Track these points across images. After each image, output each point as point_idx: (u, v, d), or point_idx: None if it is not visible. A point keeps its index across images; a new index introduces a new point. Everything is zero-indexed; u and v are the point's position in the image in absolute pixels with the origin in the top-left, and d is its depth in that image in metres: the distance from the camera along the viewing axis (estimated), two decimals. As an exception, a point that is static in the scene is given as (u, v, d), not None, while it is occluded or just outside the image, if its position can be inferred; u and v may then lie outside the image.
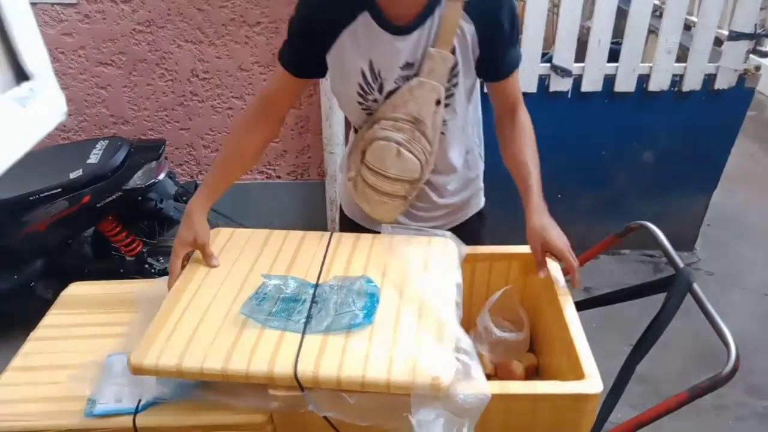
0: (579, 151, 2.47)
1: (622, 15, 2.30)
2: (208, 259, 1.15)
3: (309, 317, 0.98)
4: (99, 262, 2.20)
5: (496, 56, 1.19)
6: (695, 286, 1.11)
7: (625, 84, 2.37)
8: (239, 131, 1.25)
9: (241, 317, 0.99)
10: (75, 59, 2.38)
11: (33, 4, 2.54)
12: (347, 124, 2.49)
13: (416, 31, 1.11)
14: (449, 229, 1.28)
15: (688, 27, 2.43)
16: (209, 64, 2.42)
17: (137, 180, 1.97)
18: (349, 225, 1.43)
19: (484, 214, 1.46)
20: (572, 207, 2.45)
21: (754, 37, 2.30)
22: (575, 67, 2.33)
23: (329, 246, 1.18)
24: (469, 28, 1.13)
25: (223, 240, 1.20)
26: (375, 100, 1.18)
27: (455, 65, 1.15)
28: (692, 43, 2.33)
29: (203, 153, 2.64)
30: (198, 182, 2.45)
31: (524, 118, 1.27)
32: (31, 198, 1.89)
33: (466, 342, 0.94)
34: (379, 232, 1.25)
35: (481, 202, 1.45)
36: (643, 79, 2.37)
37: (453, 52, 1.13)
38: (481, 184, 1.44)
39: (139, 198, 1.99)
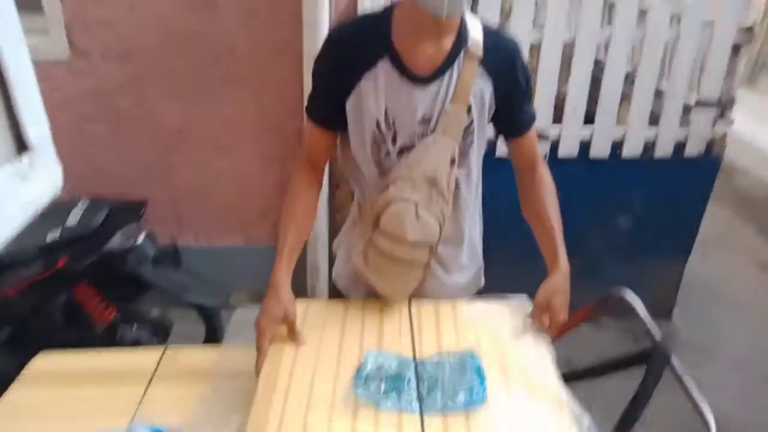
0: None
1: (595, 84, 2.40)
2: (295, 337, 1.10)
3: (420, 396, 0.98)
4: (69, 329, 2.11)
5: (513, 112, 1.21)
6: (673, 360, 1.11)
7: (600, 150, 2.45)
8: (298, 194, 1.23)
9: (351, 398, 0.97)
10: (60, 115, 2.37)
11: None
12: (332, 204, 2.50)
13: (434, 83, 1.11)
14: None
15: (658, 95, 2.54)
16: (195, 122, 2.44)
17: (116, 242, 1.94)
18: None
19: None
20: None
21: (720, 105, 2.41)
22: (552, 128, 2.40)
23: (411, 316, 1.19)
24: (486, 85, 1.14)
25: (300, 313, 1.16)
26: (388, 153, 1.16)
27: (471, 123, 1.15)
28: (663, 110, 2.43)
29: (184, 213, 2.62)
30: (178, 243, 2.42)
31: (545, 173, 1.28)
32: (4, 261, 1.84)
33: (588, 420, 0.95)
34: None
35: (481, 280, 1.43)
36: (617, 146, 2.45)
37: (469, 110, 1.13)
38: (482, 262, 1.41)
39: (117, 262, 1.95)
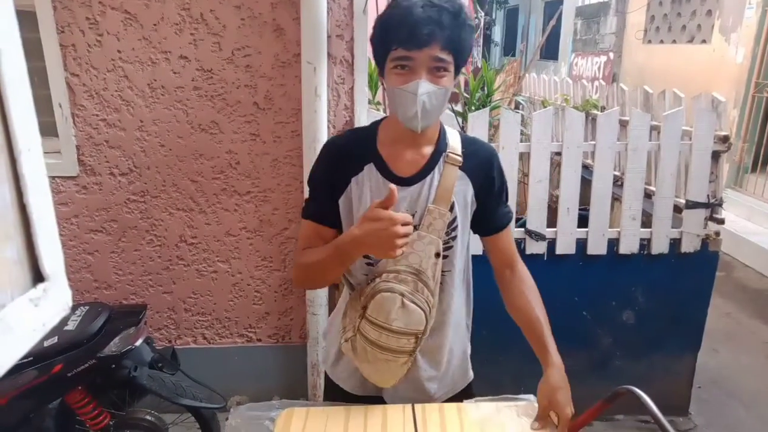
0: (561, 313, 2.48)
1: (587, 183, 2.49)
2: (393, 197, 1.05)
3: None
4: (60, 437, 2.04)
5: (490, 211, 1.30)
6: None
7: (597, 247, 2.49)
8: (306, 252, 1.26)
9: None
10: (67, 227, 2.46)
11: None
12: (330, 290, 2.53)
13: (416, 185, 1.22)
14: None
15: (648, 195, 2.63)
16: (198, 230, 2.51)
17: (113, 347, 1.92)
18: (335, 394, 1.37)
19: (472, 389, 1.43)
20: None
21: (708, 206, 2.49)
22: (548, 232, 2.46)
23: (416, 419, 1.16)
24: (467, 187, 1.25)
25: (300, 422, 1.16)
26: None
27: (454, 219, 1.23)
28: (654, 210, 2.50)
29: (184, 316, 2.61)
30: (176, 346, 2.39)
31: (524, 270, 1.34)
32: (-2, 367, 1.81)
33: None
34: (376, 400, 1.24)
35: (469, 373, 1.43)
36: (614, 243, 2.50)
37: (452, 208, 1.23)
38: (468, 353, 1.43)
39: (113, 366, 1.91)
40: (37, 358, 1.83)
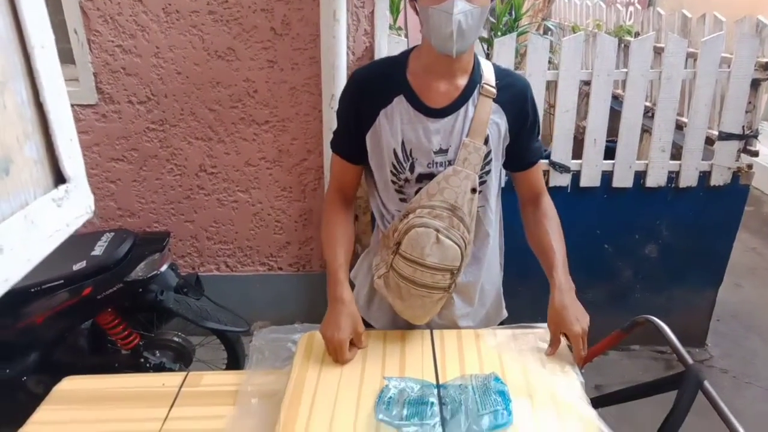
0: (582, 245, 2.48)
1: (615, 115, 2.40)
2: (362, 345, 1.17)
3: (443, 420, 0.97)
4: (94, 355, 2.14)
5: (523, 146, 1.26)
6: (707, 384, 1.07)
7: (623, 180, 2.43)
8: (335, 220, 1.29)
9: (373, 424, 0.96)
10: (88, 155, 2.47)
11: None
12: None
13: (450, 117, 1.18)
14: None
15: (680, 126, 2.53)
16: (217, 160, 2.51)
17: (139, 272, 1.97)
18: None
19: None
20: (579, 301, 2.42)
21: (743, 137, 2.39)
22: (573, 164, 2.40)
23: (434, 344, 1.18)
24: (501, 120, 1.21)
25: (321, 343, 1.18)
26: (407, 180, 1.21)
27: (488, 153, 1.20)
28: (685, 142, 2.42)
29: (206, 245, 2.66)
30: (200, 273, 2.45)
31: (548, 203, 1.31)
32: (32, 290, 1.88)
33: None
34: None
35: (503, 312, 1.44)
36: (640, 175, 2.43)
37: (486, 141, 1.19)
38: (501, 291, 1.43)
39: (140, 290, 1.98)
40: (67, 281, 1.90)
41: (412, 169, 1.20)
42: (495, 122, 1.20)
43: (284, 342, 1.23)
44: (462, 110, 1.18)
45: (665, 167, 2.42)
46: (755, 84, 2.34)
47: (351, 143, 1.25)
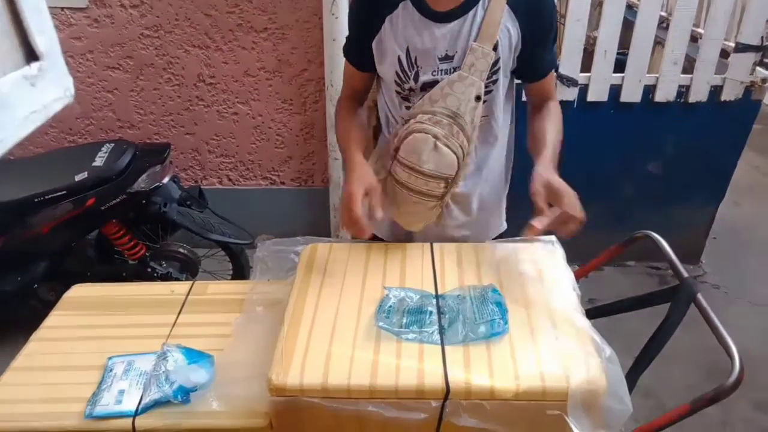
0: (585, 161, 2.46)
1: (628, 26, 2.30)
2: (377, 206, 1.12)
3: (441, 328, 1.00)
4: (102, 265, 2.20)
5: (536, 55, 1.19)
6: (699, 296, 1.10)
7: (631, 95, 2.36)
8: (348, 118, 1.28)
9: (373, 331, 0.99)
10: (83, 63, 2.40)
11: (43, 8, 2.54)
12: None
13: (457, 21, 1.12)
14: None
15: (694, 39, 2.43)
16: (215, 69, 2.43)
17: (142, 183, 1.97)
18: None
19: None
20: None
21: (761, 49, 2.30)
22: (581, 77, 2.33)
23: (434, 257, 1.19)
24: (513, 25, 1.13)
25: (324, 254, 1.20)
26: (411, 89, 1.18)
27: (497, 61, 1.14)
28: (699, 54, 2.33)
29: (208, 158, 2.64)
30: (202, 186, 2.46)
31: (554, 105, 1.26)
32: (35, 200, 1.89)
33: (609, 349, 0.95)
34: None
35: (503, 224, 1.43)
36: (649, 90, 2.37)
37: (495, 48, 1.13)
38: (504, 205, 1.42)
39: (143, 201, 1.99)
40: (70, 191, 1.91)
41: (416, 78, 1.16)
42: (506, 27, 1.13)
43: (287, 253, 1.24)
44: (471, 13, 1.11)
45: (676, 81, 2.35)
46: (779, -8, 2.22)
47: (361, 50, 1.21)
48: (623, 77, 2.34)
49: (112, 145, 2.07)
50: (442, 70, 1.15)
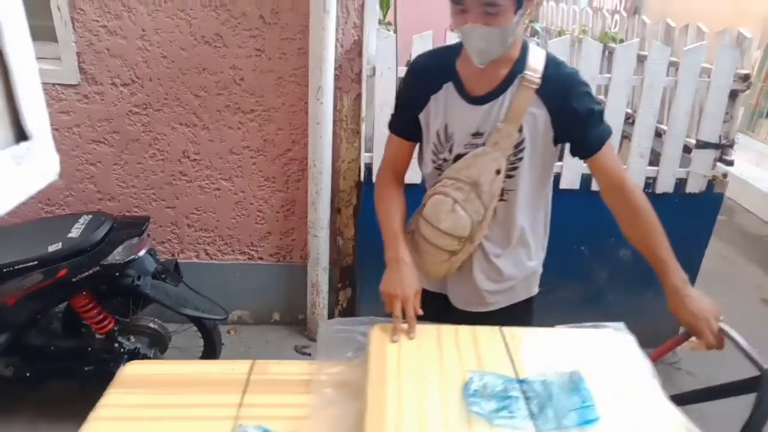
0: (560, 246, 2.51)
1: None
2: (413, 312, 1.23)
3: (531, 413, 0.98)
4: (67, 338, 2.12)
5: (579, 135, 1.29)
6: None
7: (601, 184, 2.47)
8: (390, 194, 1.42)
9: (464, 415, 0.97)
10: (69, 136, 2.44)
11: (35, 83, 2.61)
12: (332, 213, 2.54)
13: (488, 104, 1.27)
14: (498, 310, 1.42)
15: (659, 134, 2.58)
16: (201, 146, 2.49)
17: (117, 255, 1.95)
18: None
19: (533, 302, 1.51)
20: (553, 300, 2.46)
21: (719, 147, 2.44)
22: (556, 166, 2.43)
23: (506, 340, 1.19)
24: (541, 113, 1.27)
25: (390, 335, 1.20)
26: (445, 160, 1.34)
27: (521, 141, 1.27)
28: (663, 149, 2.47)
29: (186, 231, 2.64)
30: (179, 260, 2.44)
31: (635, 189, 1.31)
32: (4, 270, 1.85)
33: None
34: (439, 296, 1.41)
35: (534, 288, 1.50)
36: (618, 180, 2.47)
37: (520, 130, 1.26)
38: (539, 270, 1.49)
39: (117, 274, 1.96)
40: (42, 262, 1.87)
41: (450, 149, 1.32)
42: (532, 113, 1.26)
43: (351, 333, 1.23)
44: (500, 98, 1.27)
45: (643, 173, 2.47)
46: (733, 95, 2.40)
47: (408, 123, 1.38)
48: (593, 167, 2.45)
49: (90, 216, 2.07)
50: (472, 145, 1.30)
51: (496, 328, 1.23)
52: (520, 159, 1.29)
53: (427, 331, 1.21)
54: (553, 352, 1.16)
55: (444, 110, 1.31)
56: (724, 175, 2.48)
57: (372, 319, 1.25)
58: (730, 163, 2.48)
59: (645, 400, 1.02)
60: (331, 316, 2.73)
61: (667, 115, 2.61)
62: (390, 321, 1.24)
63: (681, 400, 1.26)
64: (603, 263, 2.61)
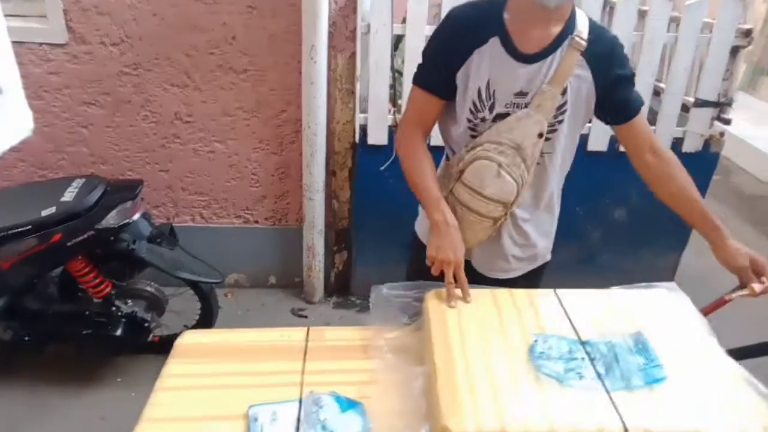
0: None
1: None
2: (464, 276, 1.21)
3: (599, 374, 0.99)
4: (64, 303, 2.13)
5: (617, 99, 1.28)
6: None
7: (598, 144, 2.45)
8: (418, 153, 1.34)
9: (532, 376, 0.98)
10: (59, 98, 2.39)
11: (21, 43, 2.54)
12: (327, 176, 2.52)
13: (537, 63, 1.23)
14: (518, 276, 1.42)
15: (657, 92, 2.55)
16: (193, 108, 2.45)
17: (111, 220, 1.94)
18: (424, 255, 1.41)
19: (545, 269, 1.52)
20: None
21: (718, 105, 2.42)
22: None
23: (562, 302, 1.19)
24: (585, 75, 1.24)
25: (446, 300, 1.20)
26: (483, 119, 1.28)
27: (564, 104, 1.25)
28: (661, 107, 2.44)
29: (181, 195, 2.63)
30: (174, 223, 2.43)
31: (668, 152, 1.33)
32: (-1, 234, 1.85)
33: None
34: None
35: (548, 254, 1.51)
36: (615, 140, 2.45)
37: (564, 92, 1.24)
38: (553, 236, 1.50)
39: (112, 238, 1.95)
40: (35, 227, 1.87)
41: (491, 108, 1.26)
42: (577, 75, 1.23)
43: (406, 299, 1.24)
44: (549, 59, 1.22)
45: (641, 133, 2.44)
46: (734, 51, 2.36)
47: (438, 77, 1.29)
48: (590, 127, 2.43)
49: (83, 180, 2.05)
50: (515, 104, 1.25)
51: (551, 290, 1.25)
52: (561, 122, 1.27)
53: (482, 295, 1.21)
54: (611, 313, 1.16)
55: (488, 65, 1.23)
56: (721, 134, 2.47)
57: (421, 283, 1.25)
58: (728, 122, 2.46)
59: (706, 357, 1.05)
60: (327, 279, 2.75)
61: (666, 73, 2.57)
62: (436, 285, 1.23)
63: (740, 354, 1.25)
64: (598, 224, 2.61)
